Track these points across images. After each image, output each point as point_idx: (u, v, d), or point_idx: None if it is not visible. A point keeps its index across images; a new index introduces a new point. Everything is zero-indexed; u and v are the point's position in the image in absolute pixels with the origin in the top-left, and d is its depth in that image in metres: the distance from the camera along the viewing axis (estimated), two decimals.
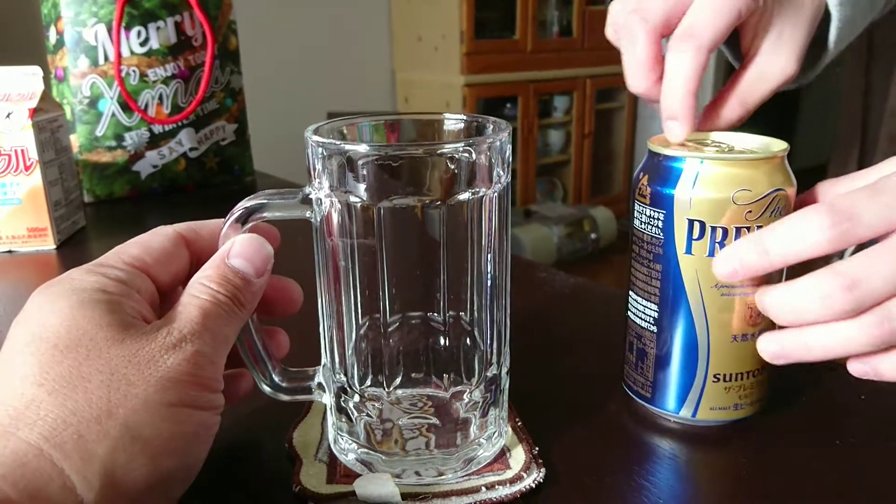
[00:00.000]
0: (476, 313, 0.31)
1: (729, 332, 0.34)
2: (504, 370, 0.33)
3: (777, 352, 0.32)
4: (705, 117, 0.41)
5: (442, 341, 0.31)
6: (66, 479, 0.22)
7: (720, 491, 0.32)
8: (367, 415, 0.31)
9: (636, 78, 0.39)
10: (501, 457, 0.33)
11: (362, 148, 0.28)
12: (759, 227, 0.32)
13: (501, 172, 0.30)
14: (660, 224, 0.34)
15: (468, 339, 0.31)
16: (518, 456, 0.33)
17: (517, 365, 0.36)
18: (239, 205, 0.31)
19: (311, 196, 0.30)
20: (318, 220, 0.30)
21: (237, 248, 0.30)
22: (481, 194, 0.30)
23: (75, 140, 0.79)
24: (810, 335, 0.31)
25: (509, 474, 0.31)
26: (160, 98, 0.81)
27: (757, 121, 0.44)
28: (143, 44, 0.78)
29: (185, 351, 0.26)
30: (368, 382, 0.31)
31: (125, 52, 0.78)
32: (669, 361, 0.35)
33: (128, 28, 0.77)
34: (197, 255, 0.32)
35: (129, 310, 0.27)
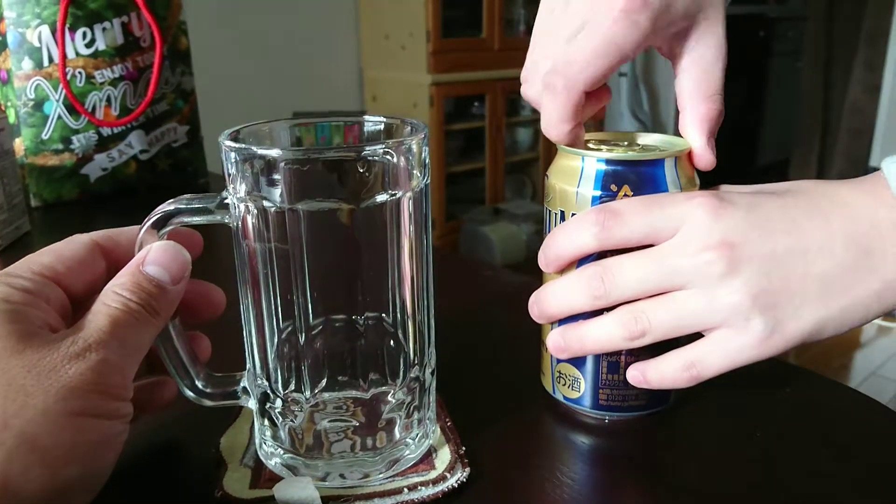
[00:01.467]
0: (398, 315, 0.31)
1: None
2: (429, 371, 0.33)
3: (562, 345, 0.35)
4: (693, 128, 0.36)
5: (365, 343, 0.31)
6: None
7: (642, 484, 0.32)
8: (291, 420, 0.31)
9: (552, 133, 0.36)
10: (427, 457, 0.33)
11: (275, 152, 0.28)
12: None
13: (419, 174, 0.31)
14: None
15: (392, 341, 0.32)
16: (444, 456, 0.33)
17: (453, 364, 0.36)
18: (155, 210, 0.31)
19: (227, 201, 0.30)
20: (235, 224, 0.30)
21: (153, 254, 0.30)
22: (399, 196, 0.30)
23: (20, 143, 0.78)
24: (584, 328, 0.34)
25: (433, 475, 0.32)
26: (108, 100, 0.80)
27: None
28: (88, 45, 0.77)
29: (90, 360, 0.26)
30: (291, 387, 0.31)
31: (70, 54, 0.76)
32: None
33: (73, 29, 0.76)
34: (115, 263, 0.31)
35: (33, 319, 0.26)
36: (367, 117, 0.34)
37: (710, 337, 0.32)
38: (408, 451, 0.32)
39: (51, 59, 0.76)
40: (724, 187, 0.34)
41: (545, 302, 0.35)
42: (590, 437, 0.36)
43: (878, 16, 3.21)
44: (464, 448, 0.33)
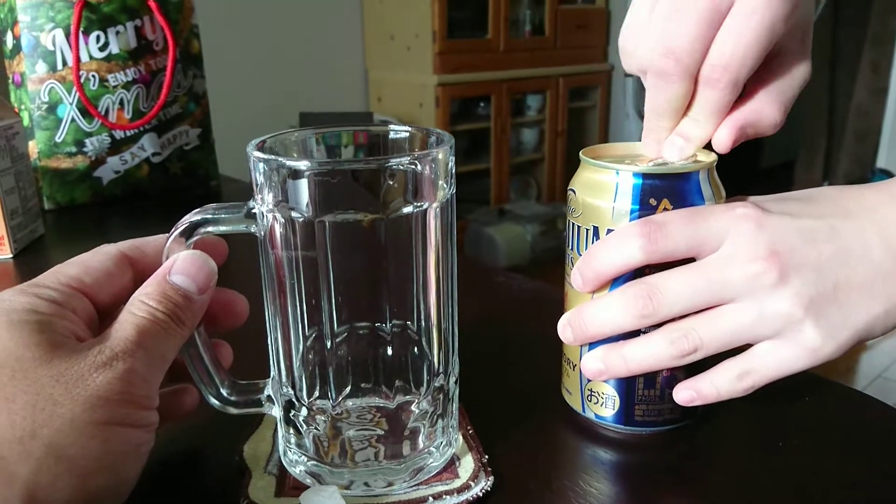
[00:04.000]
0: (423, 323, 0.31)
1: None
2: (452, 379, 0.33)
3: (600, 369, 0.34)
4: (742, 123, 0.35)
5: (389, 352, 0.31)
6: None
7: (666, 494, 0.32)
8: (316, 427, 0.32)
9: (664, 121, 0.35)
10: (451, 465, 0.33)
11: (303, 164, 0.28)
12: None
13: (445, 185, 0.31)
14: None
15: (416, 349, 0.32)
16: (467, 464, 0.33)
17: (471, 371, 0.36)
18: (183, 219, 0.31)
19: (255, 210, 0.30)
20: (262, 234, 0.31)
21: (179, 264, 0.30)
22: (425, 207, 0.30)
23: (34, 146, 0.78)
24: (627, 348, 0.33)
25: (457, 483, 0.32)
26: (121, 103, 0.80)
27: None
28: (102, 48, 0.78)
29: (117, 369, 0.26)
30: (316, 395, 0.31)
31: (84, 57, 0.77)
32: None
33: (86, 33, 0.76)
34: (142, 273, 0.32)
35: (60, 329, 0.26)
36: (392, 126, 0.34)
37: (762, 346, 0.32)
38: (431, 460, 0.33)
39: (64, 63, 0.76)
40: (753, 198, 0.34)
41: (585, 324, 0.34)
42: (612, 445, 0.36)
43: (883, 18, 3.20)
44: (486, 456, 0.34)
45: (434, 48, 2.64)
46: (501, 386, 0.41)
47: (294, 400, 0.32)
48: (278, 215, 0.29)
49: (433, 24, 2.62)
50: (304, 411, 0.32)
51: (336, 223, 0.29)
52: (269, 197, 0.29)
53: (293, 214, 0.29)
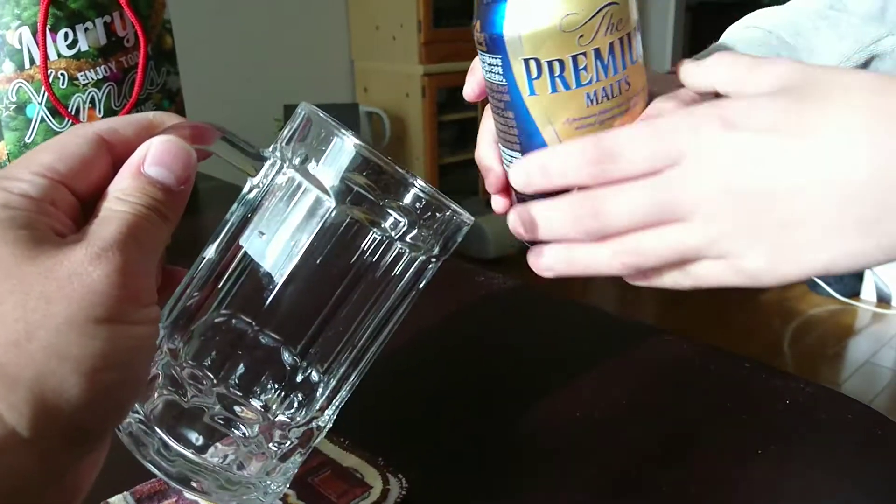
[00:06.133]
0: (333, 367, 0.30)
1: None
2: (323, 430, 0.32)
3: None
4: None
5: (285, 374, 0.29)
6: None
7: None
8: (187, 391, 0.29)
9: None
10: (357, 483, 0.32)
11: (355, 142, 0.27)
12: (596, 49, 0.31)
13: (439, 256, 0.30)
14: (500, 70, 0.33)
15: (308, 387, 0.30)
16: (369, 473, 0.32)
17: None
18: (196, 123, 0.28)
19: (266, 155, 0.29)
20: (257, 182, 0.29)
21: (153, 152, 0.27)
22: (422, 258, 0.29)
23: (3, 148, 0.76)
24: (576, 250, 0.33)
25: (376, 494, 0.31)
26: (92, 101, 0.78)
27: None
28: (71, 46, 0.76)
29: (112, 261, 0.23)
30: (194, 362, 0.29)
31: (52, 55, 0.75)
32: None
33: (54, 30, 0.74)
34: (120, 158, 0.28)
35: (39, 224, 0.24)
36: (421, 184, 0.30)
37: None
38: (255, 493, 0.30)
39: (32, 61, 0.75)
40: (745, 98, 0.30)
41: (531, 223, 0.34)
42: (558, 439, 0.35)
43: None
44: (381, 459, 0.32)
45: (419, 38, 2.62)
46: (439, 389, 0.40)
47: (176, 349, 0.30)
48: (294, 176, 0.28)
49: (418, 13, 2.59)
50: (182, 370, 0.29)
51: (341, 213, 0.27)
52: (296, 159, 0.28)
53: (308, 184, 0.27)
